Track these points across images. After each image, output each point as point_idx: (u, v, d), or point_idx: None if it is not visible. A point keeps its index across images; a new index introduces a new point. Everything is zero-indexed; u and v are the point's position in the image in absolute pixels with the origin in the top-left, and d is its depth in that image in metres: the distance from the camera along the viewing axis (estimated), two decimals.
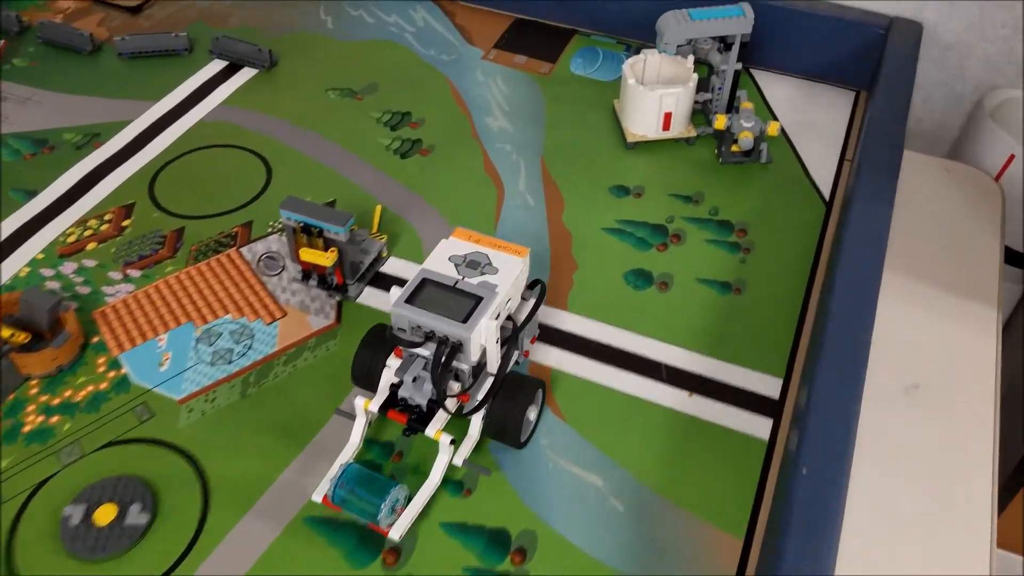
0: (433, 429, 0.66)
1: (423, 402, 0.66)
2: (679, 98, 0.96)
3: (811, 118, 1.05)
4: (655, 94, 0.95)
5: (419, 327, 0.65)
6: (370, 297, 0.84)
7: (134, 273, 0.87)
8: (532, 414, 0.71)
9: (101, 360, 0.79)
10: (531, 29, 1.19)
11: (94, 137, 1.02)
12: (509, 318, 0.70)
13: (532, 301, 0.72)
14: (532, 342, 0.77)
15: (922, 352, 0.82)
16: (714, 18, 0.93)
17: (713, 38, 0.98)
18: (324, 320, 0.82)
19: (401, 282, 0.85)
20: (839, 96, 1.08)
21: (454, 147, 1.00)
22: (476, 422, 0.68)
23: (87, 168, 0.98)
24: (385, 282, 0.85)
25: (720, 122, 0.94)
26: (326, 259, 0.78)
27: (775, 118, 1.04)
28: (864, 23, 1.04)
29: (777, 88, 1.09)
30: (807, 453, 0.63)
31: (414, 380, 0.66)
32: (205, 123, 1.04)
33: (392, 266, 0.87)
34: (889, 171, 0.83)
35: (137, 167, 0.98)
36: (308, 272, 0.82)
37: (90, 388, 0.77)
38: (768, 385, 0.77)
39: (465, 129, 1.03)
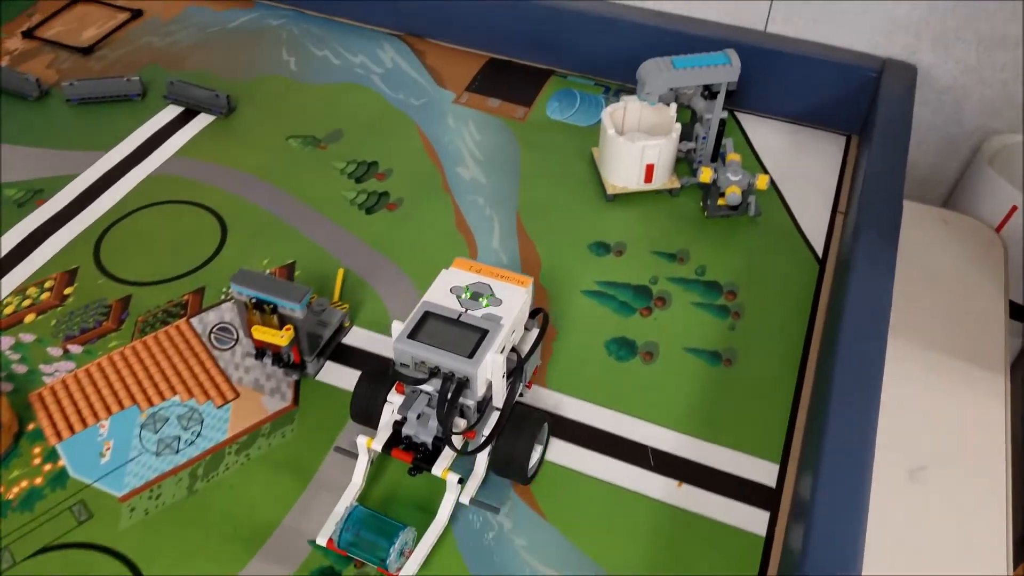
0: (440, 468, 0.64)
1: (428, 440, 0.64)
2: (662, 149, 0.90)
3: (801, 165, 0.99)
4: (636, 146, 0.89)
5: (423, 363, 0.63)
6: (331, 373, 0.77)
7: (75, 349, 0.80)
8: (539, 449, 0.69)
9: (37, 450, 0.72)
10: (506, 70, 1.13)
11: (36, 194, 0.95)
12: (513, 349, 0.68)
13: (535, 331, 0.71)
14: (535, 373, 0.76)
15: (928, 429, 0.76)
16: (698, 66, 0.87)
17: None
18: (280, 402, 0.75)
19: (365, 356, 0.79)
20: (829, 141, 1.03)
21: (423, 200, 0.94)
22: (482, 459, 0.67)
23: (28, 229, 0.91)
24: (347, 356, 0.79)
25: (706, 175, 0.89)
26: (280, 338, 0.72)
27: (763, 166, 0.99)
28: (856, 66, 0.99)
29: (765, 133, 1.04)
30: (815, 558, 0.57)
31: (418, 417, 0.65)
32: (156, 177, 0.97)
33: (355, 337, 0.80)
34: (889, 235, 0.77)
35: (82, 227, 0.91)
36: (262, 350, 0.76)
37: (24, 484, 0.70)
38: (764, 471, 0.71)
39: (435, 180, 0.97)
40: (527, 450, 0.65)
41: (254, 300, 0.72)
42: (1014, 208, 0.93)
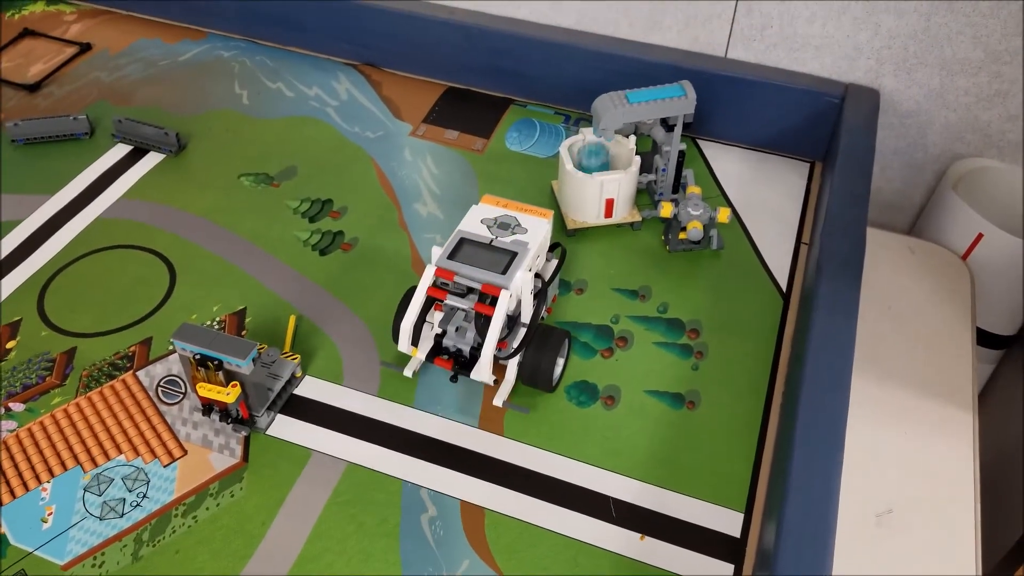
0: (486, 370, 0.72)
1: (466, 348, 0.73)
2: (621, 184, 0.88)
3: (764, 194, 0.98)
4: (595, 180, 0.87)
5: (458, 283, 0.71)
6: (283, 427, 0.75)
7: (17, 407, 0.77)
8: (560, 362, 0.77)
9: None
10: (464, 99, 1.11)
11: None
12: (537, 275, 0.76)
13: (555, 261, 0.80)
14: (554, 300, 0.84)
15: (894, 470, 0.74)
16: (653, 100, 0.85)
17: None
18: (229, 459, 0.72)
19: (318, 407, 0.76)
20: (792, 168, 1.02)
21: (379, 239, 0.92)
22: (512, 367, 0.75)
23: None
24: (300, 408, 0.76)
25: (666, 210, 0.87)
26: (227, 396, 0.69)
27: (725, 196, 0.97)
28: (818, 91, 0.98)
29: (726, 160, 1.02)
30: None
31: (456, 330, 0.74)
32: (104, 220, 0.94)
33: (308, 387, 0.78)
34: (852, 271, 0.76)
35: (25, 276, 0.88)
36: (209, 405, 0.73)
37: None
38: (728, 521, 0.69)
39: (391, 217, 0.95)
40: (552, 362, 0.73)
41: (198, 356, 0.69)
42: (980, 236, 0.92)
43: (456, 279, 0.71)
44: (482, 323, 0.71)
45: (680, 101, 0.86)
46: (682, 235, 0.88)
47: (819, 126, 1.00)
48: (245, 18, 1.19)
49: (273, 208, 0.96)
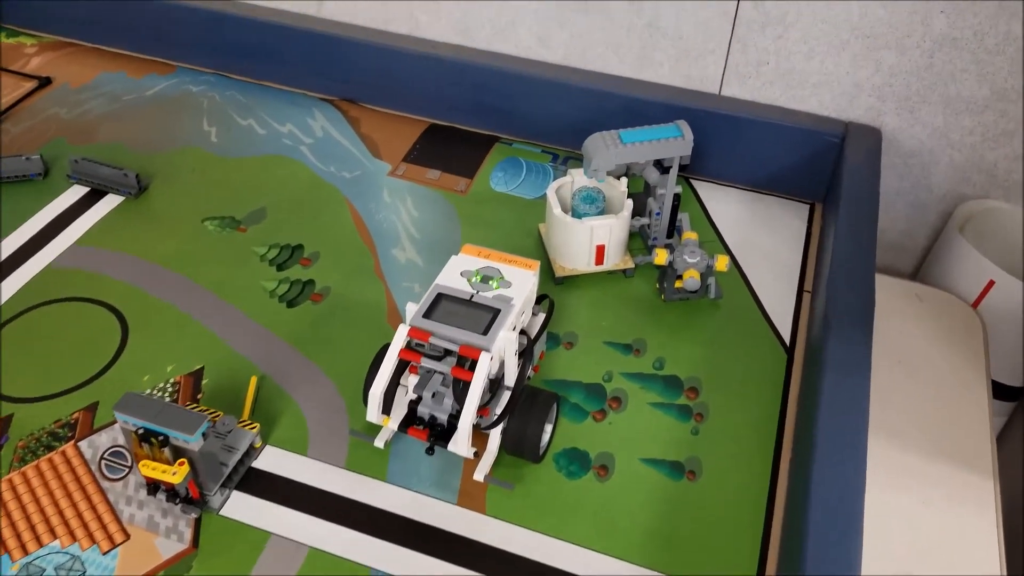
0: (464, 443, 0.64)
1: (444, 417, 0.66)
2: (612, 229, 0.82)
3: (762, 238, 0.92)
4: (584, 226, 0.81)
5: (434, 344, 0.65)
6: (239, 505, 0.67)
7: None
8: (548, 428, 0.70)
9: None
10: (447, 137, 1.06)
11: None
12: (522, 332, 0.70)
13: (542, 316, 0.73)
14: (541, 357, 0.77)
15: (913, 540, 0.68)
16: (648, 140, 0.80)
17: None
18: (177, 544, 0.65)
19: (279, 481, 0.69)
20: (792, 210, 0.96)
21: (353, 289, 0.85)
22: (495, 436, 0.68)
23: None
24: (258, 483, 0.69)
25: (661, 257, 0.81)
26: (172, 475, 0.62)
27: (722, 240, 0.92)
28: (817, 130, 0.93)
29: (723, 202, 0.97)
30: None
31: (433, 396, 0.67)
32: (53, 270, 0.87)
33: (269, 460, 0.71)
34: (862, 325, 0.70)
35: None
36: (155, 484, 0.66)
37: None
38: None
39: (366, 264, 0.88)
40: (539, 430, 0.67)
41: (140, 430, 0.62)
42: (991, 283, 0.87)
43: (432, 340, 0.64)
44: (460, 389, 0.64)
45: (677, 142, 0.80)
46: (678, 284, 0.82)
47: (819, 166, 0.95)
48: (216, 50, 1.14)
49: (239, 255, 0.89)
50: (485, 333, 0.64)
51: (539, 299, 0.75)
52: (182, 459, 0.63)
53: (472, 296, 0.68)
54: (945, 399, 0.79)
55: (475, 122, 1.06)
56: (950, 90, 0.88)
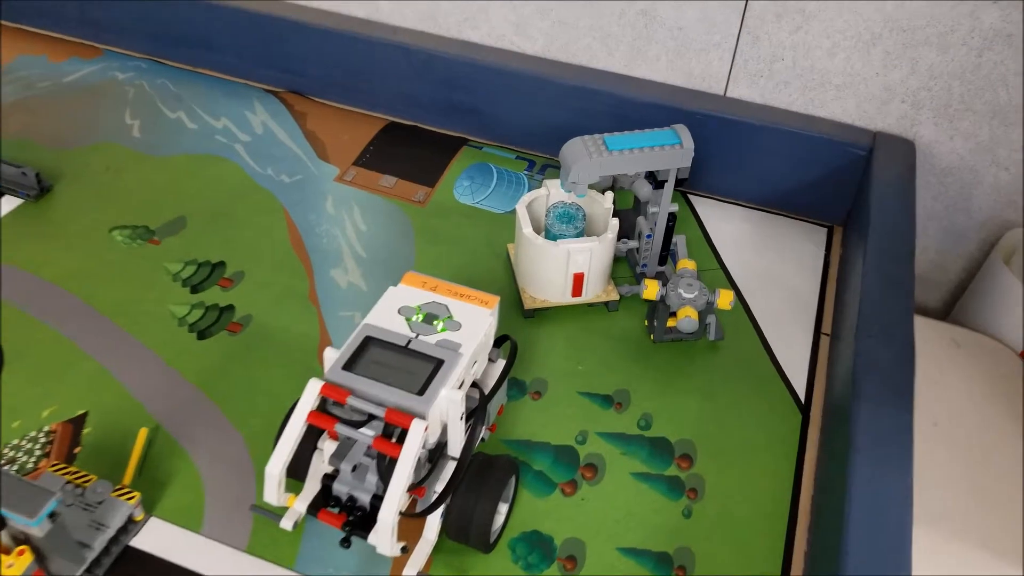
0: (386, 540, 0.49)
1: (366, 499, 0.51)
2: (594, 254, 0.68)
3: (772, 267, 0.78)
4: (559, 249, 0.67)
5: (365, 397, 0.50)
6: None
7: None
8: (504, 508, 0.57)
9: None
10: (406, 138, 0.91)
11: None
12: (475, 384, 0.56)
13: (501, 363, 0.60)
14: (499, 412, 0.62)
15: None
16: (639, 148, 0.66)
17: None
18: None
19: (161, 567, 0.54)
20: (807, 234, 0.82)
21: (280, 318, 0.71)
22: (434, 522, 0.53)
23: None
24: (135, 567, 0.54)
25: (651, 291, 0.67)
26: (7, 568, 0.47)
27: (723, 267, 0.77)
28: (838, 140, 0.79)
29: (725, 222, 0.83)
30: None
31: (354, 469, 0.52)
32: None
33: (152, 536, 0.56)
34: (901, 392, 0.55)
35: None
36: None
37: None
38: None
39: (299, 288, 0.74)
40: (490, 510, 0.53)
41: None
42: None
43: (351, 401, 0.50)
44: (386, 466, 0.50)
45: (674, 151, 0.66)
46: (671, 323, 0.68)
47: (840, 183, 0.81)
48: (149, 33, 0.99)
49: (147, 272, 0.74)
50: (421, 392, 0.50)
51: (499, 341, 0.61)
52: (22, 547, 0.48)
53: (409, 342, 0.53)
54: (993, 472, 0.65)
55: (440, 121, 0.92)
56: (1000, 97, 0.74)
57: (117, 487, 0.57)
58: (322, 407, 0.51)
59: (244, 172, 0.85)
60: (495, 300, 0.57)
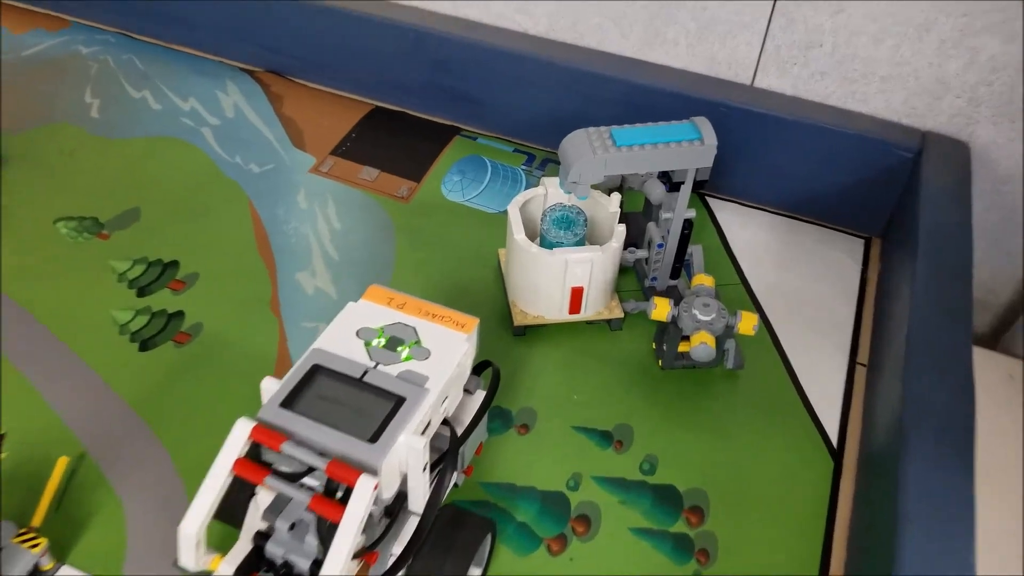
0: None
1: (304, 565, 0.42)
2: (595, 265, 0.59)
3: (800, 283, 0.69)
4: (556, 259, 0.58)
5: (304, 443, 0.41)
6: None
7: None
8: (476, 572, 0.49)
9: None
10: (392, 125, 0.82)
11: None
12: (446, 422, 0.47)
13: (480, 394, 0.51)
14: (478, 451, 0.53)
15: None
16: (652, 144, 0.56)
17: None
18: None
19: None
20: (840, 245, 0.72)
21: (234, 328, 0.62)
22: None
23: None
24: None
25: (660, 311, 0.57)
26: None
27: (744, 281, 0.68)
28: (882, 140, 0.69)
29: (748, 231, 0.73)
30: None
31: (292, 528, 0.42)
32: None
33: None
34: (961, 446, 0.46)
35: None
36: None
37: None
38: None
39: (260, 293, 0.65)
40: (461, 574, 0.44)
41: None
42: None
43: (286, 448, 0.41)
44: (327, 529, 0.41)
45: (693, 148, 0.56)
46: (683, 347, 0.59)
47: (881, 189, 0.71)
48: (118, 4, 0.90)
49: (91, 271, 0.66)
50: (374, 439, 0.40)
51: (479, 366, 0.52)
52: None
53: (366, 373, 0.44)
54: None
55: (430, 108, 0.83)
56: None
57: (22, 530, 0.48)
58: (255, 453, 0.42)
59: (209, 159, 0.76)
60: (473, 323, 0.48)
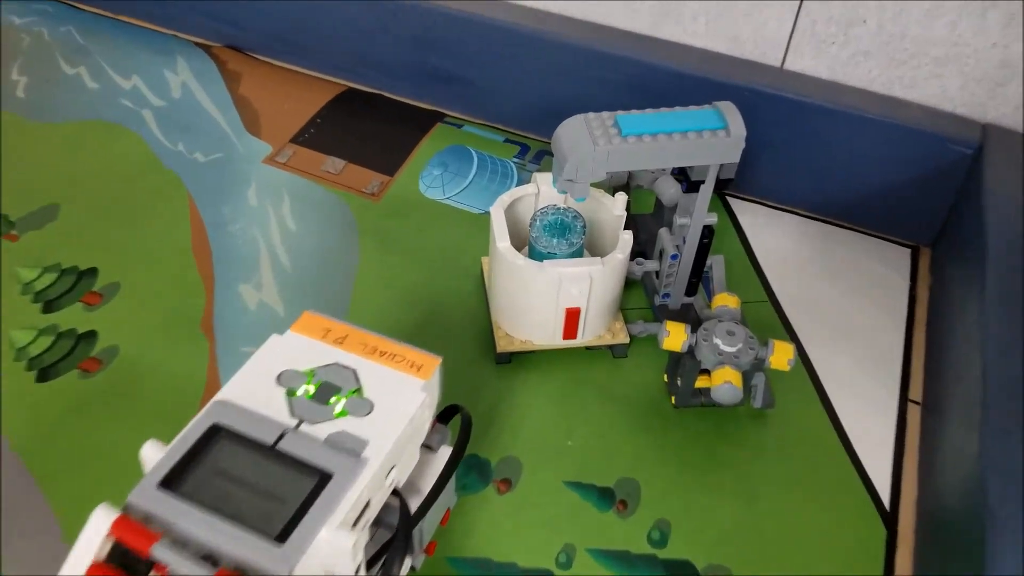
0: None
1: None
2: (595, 281, 0.48)
3: (839, 301, 0.58)
4: (548, 275, 0.47)
5: (188, 542, 0.30)
6: None
7: None
8: None
9: None
10: (365, 109, 0.71)
11: None
12: (395, 493, 0.36)
13: (444, 451, 0.39)
14: (444, 521, 0.41)
15: None
16: (666, 133, 0.46)
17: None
18: None
19: None
20: (885, 255, 0.62)
21: (155, 353, 0.51)
22: None
23: None
24: None
25: (675, 340, 0.47)
26: None
27: (772, 298, 0.57)
28: (935, 133, 0.58)
29: (777, 238, 0.62)
30: None
31: None
32: None
33: None
34: None
35: None
36: None
37: None
38: None
39: (191, 310, 0.54)
40: None
41: None
42: None
43: (156, 552, 0.30)
44: None
45: (716, 140, 0.46)
46: (702, 382, 0.48)
47: (933, 190, 0.60)
48: None
49: None
50: (282, 537, 0.30)
51: (445, 412, 0.41)
52: None
53: (282, 436, 0.33)
54: None
55: (410, 90, 0.72)
56: None
57: None
58: (120, 553, 0.31)
59: (147, 147, 0.66)
60: (433, 364, 0.37)
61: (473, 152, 0.68)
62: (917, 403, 0.52)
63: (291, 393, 0.35)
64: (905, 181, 0.61)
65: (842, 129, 0.61)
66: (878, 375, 0.53)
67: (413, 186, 0.64)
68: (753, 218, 0.64)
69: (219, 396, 0.34)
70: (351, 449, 0.33)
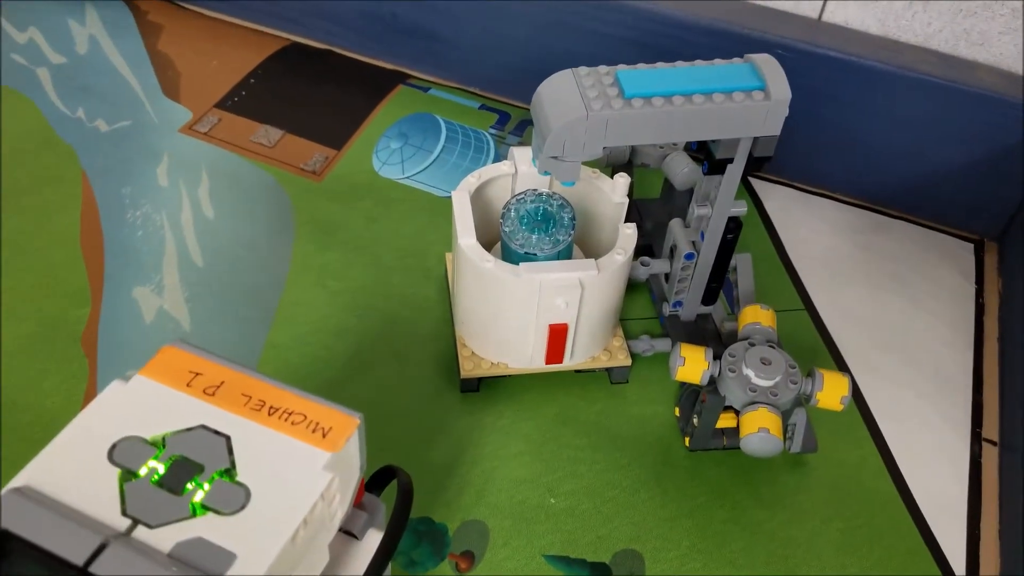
0: None
1: None
2: (587, 290, 0.37)
3: (889, 309, 0.47)
4: (525, 281, 0.36)
5: None
6: None
7: None
8: None
9: None
10: (311, 67, 0.59)
11: None
12: None
13: (375, 538, 0.27)
14: None
15: None
16: (684, 95, 0.34)
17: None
18: None
19: None
20: (946, 252, 0.51)
21: (18, 375, 0.40)
22: None
23: None
24: None
25: (692, 370, 0.36)
26: None
27: (809, 305, 0.46)
28: (1006, 99, 0.47)
29: (815, 231, 0.51)
30: None
31: None
32: None
33: None
34: None
35: None
36: None
37: None
38: None
39: (70, 319, 0.42)
40: None
41: None
42: None
43: None
44: None
45: (751, 105, 0.34)
46: (726, 421, 0.37)
47: (1004, 172, 0.49)
48: None
49: None
50: None
51: (378, 475, 0.29)
52: None
53: (102, 550, 0.21)
54: None
55: (367, 45, 0.60)
56: None
57: None
58: None
59: (39, 113, 0.54)
60: (348, 428, 0.25)
61: (441, 121, 0.56)
62: (993, 443, 0.41)
63: (128, 476, 0.23)
64: (969, 161, 0.50)
65: (893, 95, 0.49)
66: (942, 406, 0.42)
67: (365, 163, 0.53)
68: (782, 204, 0.52)
69: (17, 481, 0.23)
70: (208, 569, 0.21)
